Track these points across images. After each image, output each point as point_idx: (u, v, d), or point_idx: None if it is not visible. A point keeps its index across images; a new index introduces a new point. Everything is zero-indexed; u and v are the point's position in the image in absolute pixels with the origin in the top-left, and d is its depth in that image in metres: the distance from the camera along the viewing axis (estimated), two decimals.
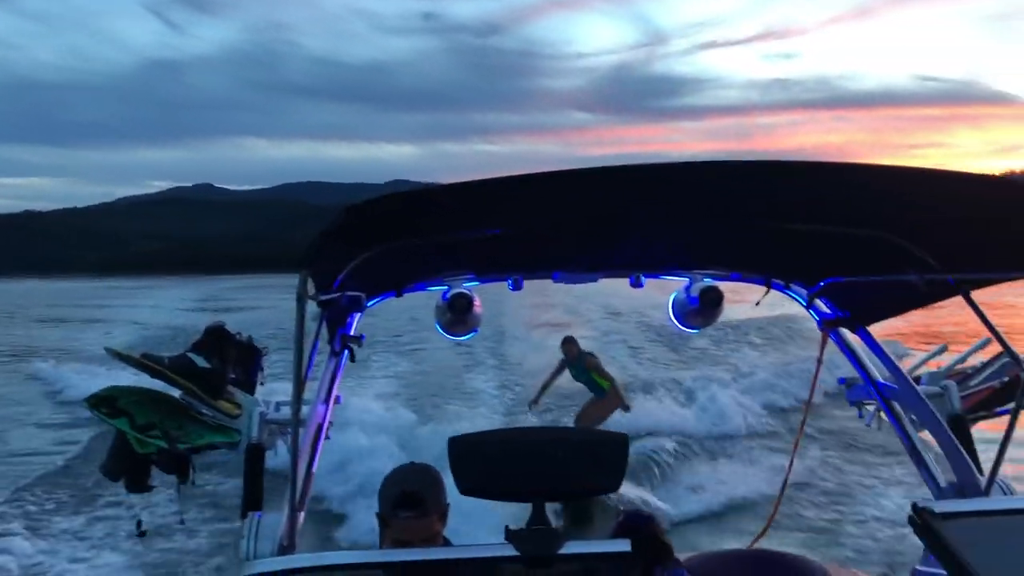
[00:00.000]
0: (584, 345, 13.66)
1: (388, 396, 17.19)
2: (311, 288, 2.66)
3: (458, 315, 3.88)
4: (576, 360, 12.59)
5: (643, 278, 4.01)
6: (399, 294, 3.95)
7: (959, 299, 3.37)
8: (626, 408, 12.67)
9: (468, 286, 3.95)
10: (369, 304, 3.83)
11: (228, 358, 3.65)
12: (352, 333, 3.82)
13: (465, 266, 3.90)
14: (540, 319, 31.44)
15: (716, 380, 18.42)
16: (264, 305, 45.03)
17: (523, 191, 2.81)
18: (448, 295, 3.86)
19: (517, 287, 4.04)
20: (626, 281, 4.03)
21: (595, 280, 3.95)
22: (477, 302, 3.94)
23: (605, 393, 12.47)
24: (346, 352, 3.78)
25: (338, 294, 3.12)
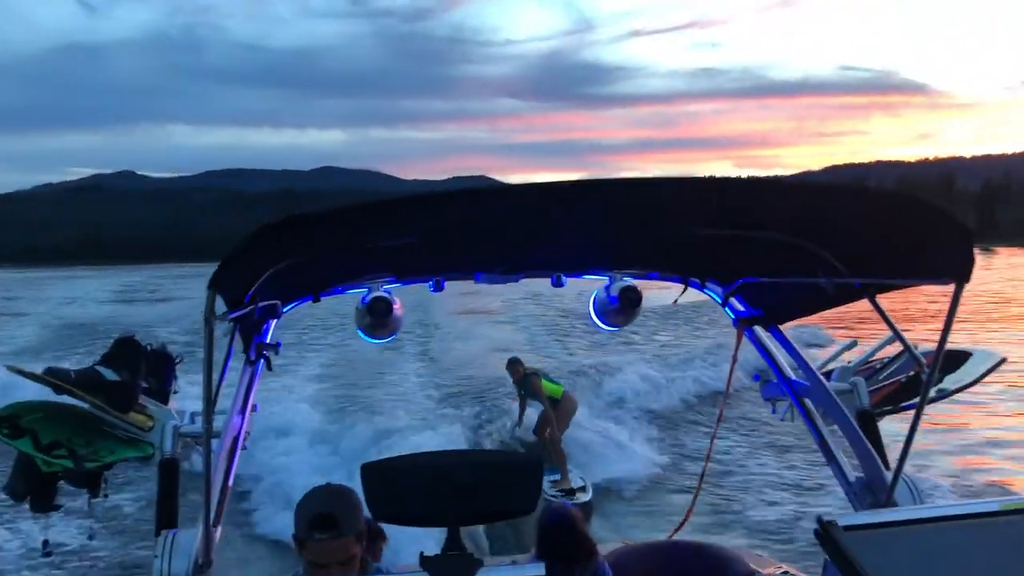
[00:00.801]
0: (510, 333, 13.53)
1: (310, 398, 16.70)
2: (221, 305, 2.61)
3: (378, 318, 3.82)
4: (521, 381, 12.19)
5: (564, 278, 4.05)
6: (316, 299, 3.89)
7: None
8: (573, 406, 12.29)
9: (388, 288, 3.91)
10: (285, 310, 3.78)
11: (139, 369, 3.53)
12: (268, 340, 3.76)
13: (385, 269, 3.86)
14: (467, 306, 31.38)
15: (642, 363, 18.73)
16: (188, 296, 43.88)
17: (440, 209, 2.81)
18: (368, 298, 3.79)
19: (438, 288, 4.02)
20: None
21: (517, 280, 3.97)
22: (397, 304, 3.88)
23: (558, 404, 11.95)
24: (262, 360, 3.72)
25: (250, 307, 3.07)
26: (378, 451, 10.72)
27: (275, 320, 3.77)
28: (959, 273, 2.82)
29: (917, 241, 2.98)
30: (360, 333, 4.04)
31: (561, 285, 4.08)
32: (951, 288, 2.88)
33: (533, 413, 12.55)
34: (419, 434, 12.48)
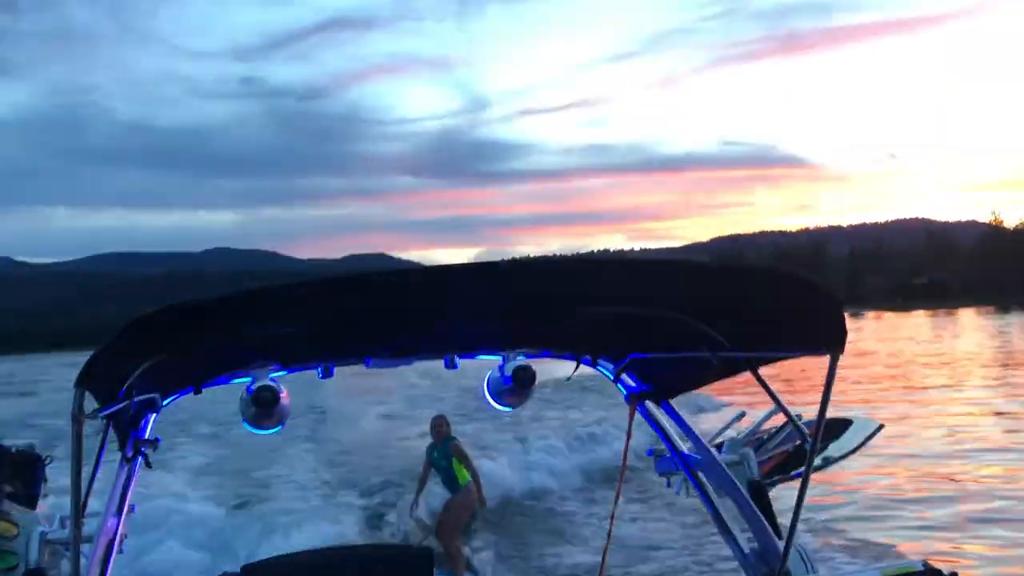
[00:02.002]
0: (402, 410, 12.88)
1: (194, 493, 15.62)
2: (91, 403, 2.48)
3: (263, 409, 3.66)
4: (442, 443, 11.06)
5: (457, 359, 4.02)
6: (198, 391, 3.73)
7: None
8: (482, 504, 11.21)
9: (275, 376, 3.78)
10: (165, 404, 3.62)
11: (2, 474, 3.30)
12: (147, 436, 3.58)
13: (270, 357, 3.74)
14: (362, 387, 30.87)
15: (542, 439, 18.69)
16: (68, 387, 41.77)
17: (328, 295, 2.77)
18: (253, 388, 3.60)
19: (327, 375, 3.92)
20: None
21: (409, 364, 3.92)
22: (284, 393, 3.73)
23: (460, 488, 10.91)
24: (140, 457, 3.54)
25: (125, 402, 2.93)
26: (271, 546, 10.29)
27: (154, 414, 3.61)
28: (833, 344, 2.93)
29: (794, 315, 3.10)
30: (245, 424, 3.82)
31: (454, 367, 4.05)
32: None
33: (440, 492, 11.68)
34: (311, 525, 12.04)
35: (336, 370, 3.93)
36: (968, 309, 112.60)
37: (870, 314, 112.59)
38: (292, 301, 2.81)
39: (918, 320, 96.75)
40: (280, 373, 3.81)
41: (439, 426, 11.09)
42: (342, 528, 12.20)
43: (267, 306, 2.84)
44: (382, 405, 27.88)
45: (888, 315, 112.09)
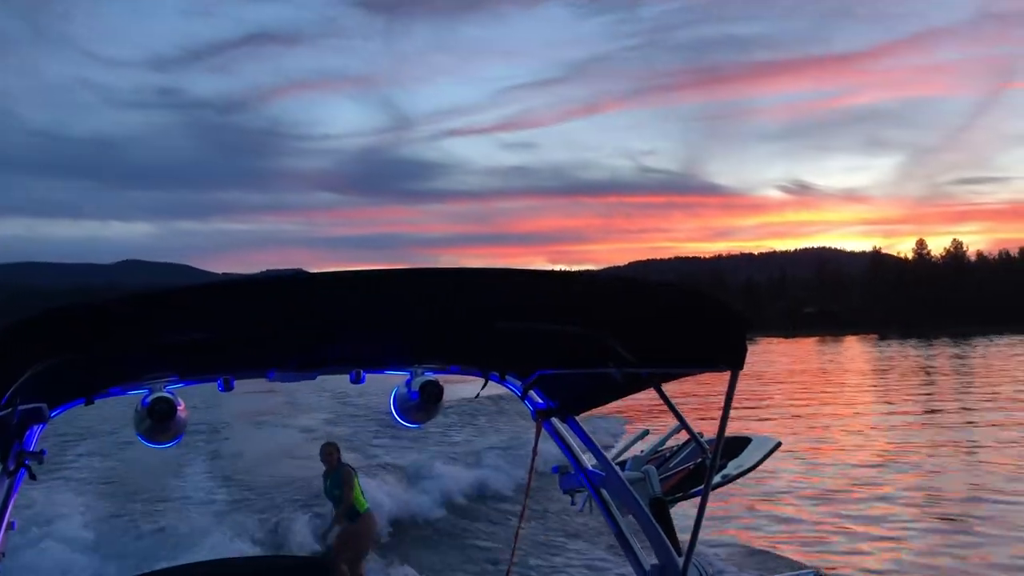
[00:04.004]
0: (305, 428, 12.51)
1: (84, 507, 15.09)
2: None
3: (159, 422, 3.49)
4: (335, 470, 10.69)
5: (363, 374, 3.94)
6: (89, 401, 3.54)
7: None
8: (377, 539, 10.98)
9: (171, 388, 3.63)
10: (53, 415, 3.44)
11: None
12: (32, 448, 3.39)
13: (167, 368, 3.59)
14: (262, 406, 30.13)
15: (441, 461, 18.50)
16: None
17: (227, 301, 2.68)
18: (148, 400, 3.44)
19: (227, 388, 3.76)
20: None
21: (313, 378, 3.82)
22: (181, 406, 3.58)
23: (359, 515, 10.53)
24: (24, 470, 3.34)
25: (8, 410, 2.76)
26: (165, 561, 9.90)
27: (42, 425, 3.42)
28: (733, 361, 2.99)
29: (697, 331, 3.15)
30: (140, 438, 3.63)
31: (360, 382, 3.96)
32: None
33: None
34: (207, 540, 11.65)
35: (237, 384, 3.80)
36: (853, 337, 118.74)
37: (762, 340, 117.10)
38: (189, 307, 2.70)
39: (792, 347, 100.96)
40: (177, 386, 3.66)
41: (330, 454, 10.75)
42: (239, 544, 11.83)
43: (162, 312, 2.72)
44: (284, 423, 27.33)
45: (778, 341, 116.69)
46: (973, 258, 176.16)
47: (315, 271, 2.66)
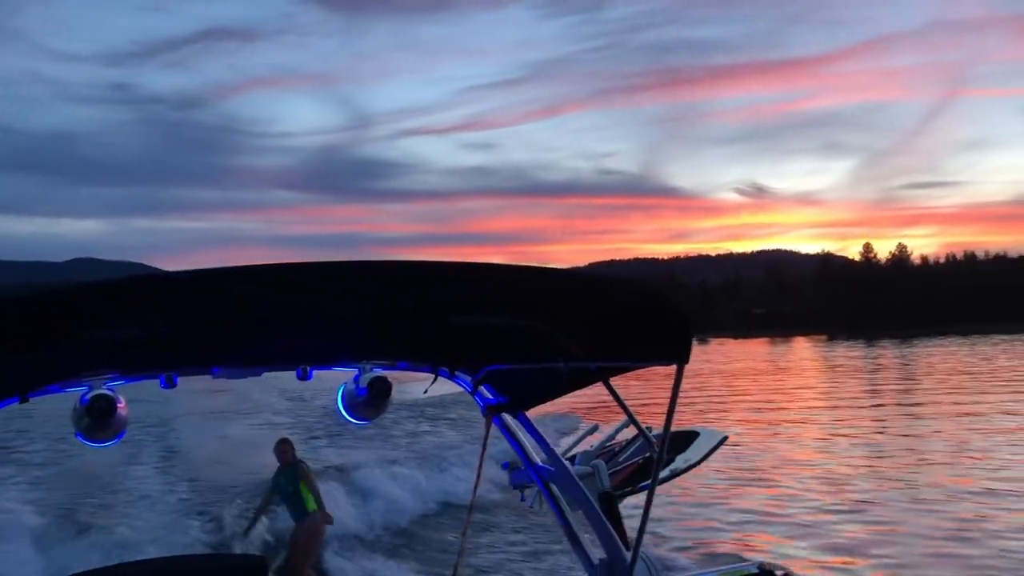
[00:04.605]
0: (254, 430, 12.36)
1: (25, 509, 14.61)
2: None
3: (98, 420, 3.37)
4: (290, 466, 10.64)
5: (310, 371, 3.90)
6: (24, 399, 3.42)
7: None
8: (329, 522, 10.97)
9: (111, 385, 3.54)
10: None
11: None
12: None
13: (107, 364, 3.51)
14: (214, 405, 29.70)
15: (391, 463, 18.31)
16: None
17: (169, 294, 2.63)
18: (87, 397, 3.31)
19: (170, 385, 3.67)
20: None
21: (258, 375, 3.76)
22: (122, 404, 3.47)
23: (308, 514, 10.52)
24: None
25: None
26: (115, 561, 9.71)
27: None
28: (679, 355, 3.03)
29: (644, 326, 3.18)
30: (78, 436, 3.51)
31: (307, 378, 3.91)
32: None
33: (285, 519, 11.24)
34: (152, 541, 11.45)
35: (181, 381, 3.73)
36: (802, 338, 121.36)
37: (714, 340, 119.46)
38: (129, 301, 2.64)
39: (740, 347, 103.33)
40: (119, 383, 3.58)
41: (284, 451, 10.71)
42: (185, 541, 11.67)
43: (101, 306, 2.66)
44: (231, 421, 26.98)
45: (729, 342, 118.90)
46: (918, 261, 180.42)
47: (259, 263, 2.62)
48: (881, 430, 25.13)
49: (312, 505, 10.54)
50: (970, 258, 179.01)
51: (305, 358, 3.81)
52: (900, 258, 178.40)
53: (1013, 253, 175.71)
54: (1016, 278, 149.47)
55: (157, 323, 2.96)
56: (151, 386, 3.77)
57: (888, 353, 70.86)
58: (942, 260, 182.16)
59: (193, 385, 3.80)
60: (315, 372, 3.91)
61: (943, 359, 57.42)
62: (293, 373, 3.85)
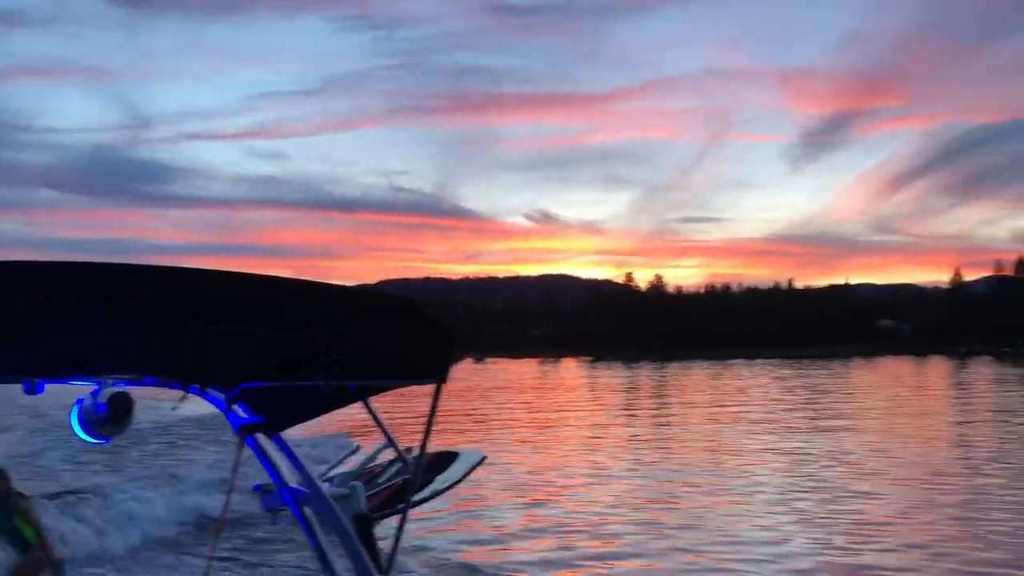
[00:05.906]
0: None
1: None
2: None
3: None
4: (3, 498, 9.27)
5: (39, 384, 3.55)
6: None
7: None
8: (58, 567, 9.44)
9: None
10: None
11: None
12: None
13: None
14: None
15: (142, 486, 17.20)
16: None
17: None
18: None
19: None
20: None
21: None
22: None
23: (31, 548, 9.22)
24: None
25: None
26: None
27: None
28: (439, 375, 3.04)
29: (406, 344, 3.17)
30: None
31: (37, 392, 3.58)
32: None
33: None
34: None
35: None
36: (571, 359, 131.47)
37: (489, 360, 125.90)
38: None
39: (513, 366, 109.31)
40: None
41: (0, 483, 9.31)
42: None
43: None
44: None
45: (503, 361, 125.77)
46: (674, 292, 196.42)
47: None
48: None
49: (32, 538, 9.20)
50: (725, 289, 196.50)
51: (35, 369, 3.48)
52: (658, 287, 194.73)
53: (764, 286, 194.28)
54: (763, 309, 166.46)
55: None
56: None
57: (645, 373, 77.37)
58: (703, 291, 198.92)
59: None
60: (46, 385, 3.58)
61: (690, 380, 63.71)
62: (20, 387, 3.51)
